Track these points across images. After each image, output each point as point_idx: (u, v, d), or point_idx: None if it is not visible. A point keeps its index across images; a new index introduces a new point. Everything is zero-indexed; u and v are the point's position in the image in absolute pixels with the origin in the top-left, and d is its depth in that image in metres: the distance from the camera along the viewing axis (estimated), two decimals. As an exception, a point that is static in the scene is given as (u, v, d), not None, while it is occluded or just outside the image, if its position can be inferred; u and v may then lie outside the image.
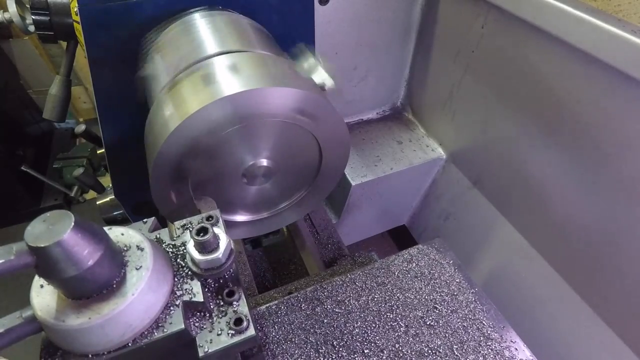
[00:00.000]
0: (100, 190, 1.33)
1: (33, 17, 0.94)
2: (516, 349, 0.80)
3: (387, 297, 0.86)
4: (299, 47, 0.90)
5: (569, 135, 1.08)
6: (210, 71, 0.71)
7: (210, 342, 0.48)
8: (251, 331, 0.49)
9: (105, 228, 0.47)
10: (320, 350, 0.77)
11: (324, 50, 1.43)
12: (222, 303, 0.52)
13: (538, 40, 1.07)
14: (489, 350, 0.78)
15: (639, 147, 0.92)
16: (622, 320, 1.10)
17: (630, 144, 0.94)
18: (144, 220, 0.58)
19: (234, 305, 0.52)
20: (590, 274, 1.15)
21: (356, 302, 0.85)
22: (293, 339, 0.79)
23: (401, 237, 2.11)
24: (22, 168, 2.21)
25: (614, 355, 1.13)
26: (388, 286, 0.88)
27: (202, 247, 0.49)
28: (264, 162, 0.78)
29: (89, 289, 0.43)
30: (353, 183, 1.53)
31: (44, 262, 0.39)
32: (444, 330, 0.81)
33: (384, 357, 0.77)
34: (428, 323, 0.82)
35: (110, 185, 1.19)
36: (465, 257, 1.67)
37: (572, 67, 1.00)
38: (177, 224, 0.58)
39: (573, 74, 1.01)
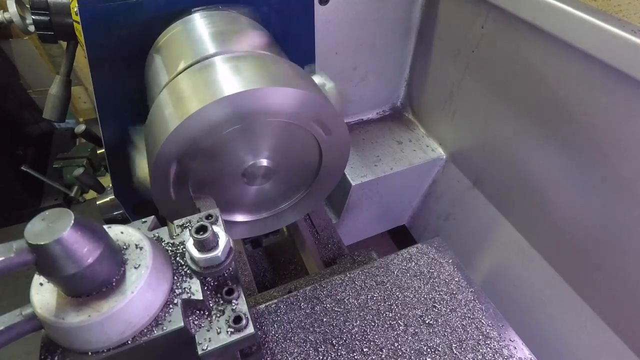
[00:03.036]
0: (100, 190, 1.33)
1: (33, 17, 0.94)
2: (515, 348, 0.80)
3: (387, 296, 0.86)
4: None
5: (569, 135, 1.08)
6: (210, 71, 0.71)
7: (210, 340, 0.49)
8: (250, 329, 0.50)
9: (105, 226, 0.48)
10: (319, 349, 0.77)
11: (324, 50, 1.44)
12: (221, 301, 0.52)
13: (538, 40, 1.07)
14: (488, 349, 0.78)
15: (639, 147, 0.92)
16: (622, 320, 1.10)
17: (630, 144, 0.94)
18: (143, 220, 0.58)
19: (233, 304, 0.52)
20: (590, 273, 1.15)
21: (355, 301, 0.85)
22: (292, 338, 0.79)
23: (401, 237, 2.11)
24: (22, 168, 2.21)
25: (614, 355, 1.14)
26: (387, 285, 0.88)
27: (202, 246, 0.49)
28: (264, 162, 0.78)
29: (89, 286, 0.43)
30: (353, 183, 1.54)
31: (44, 260, 0.39)
32: (443, 329, 0.81)
33: (383, 356, 0.77)
34: (427, 322, 0.82)
35: (110, 185, 1.19)
36: (465, 257, 1.67)
37: (572, 67, 1.00)
38: (177, 222, 0.58)
39: (573, 74, 1.01)
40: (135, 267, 0.46)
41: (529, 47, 1.11)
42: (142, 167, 0.78)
